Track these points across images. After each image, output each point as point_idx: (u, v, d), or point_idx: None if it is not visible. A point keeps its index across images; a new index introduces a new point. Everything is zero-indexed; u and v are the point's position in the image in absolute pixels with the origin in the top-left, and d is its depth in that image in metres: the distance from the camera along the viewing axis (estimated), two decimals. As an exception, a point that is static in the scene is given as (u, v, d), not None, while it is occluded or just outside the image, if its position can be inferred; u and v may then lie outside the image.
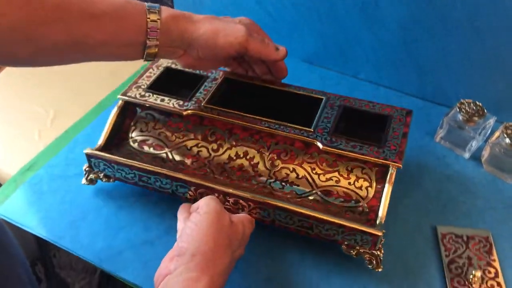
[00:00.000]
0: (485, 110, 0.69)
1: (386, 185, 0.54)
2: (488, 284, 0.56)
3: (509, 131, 0.66)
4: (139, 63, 0.85)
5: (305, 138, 0.58)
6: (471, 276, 0.56)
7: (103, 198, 0.66)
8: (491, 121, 0.69)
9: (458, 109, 0.69)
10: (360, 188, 0.56)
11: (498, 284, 0.56)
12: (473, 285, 0.56)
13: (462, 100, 0.70)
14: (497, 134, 0.68)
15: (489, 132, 0.70)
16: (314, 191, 0.57)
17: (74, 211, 0.64)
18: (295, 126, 0.59)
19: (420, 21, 0.74)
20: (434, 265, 0.58)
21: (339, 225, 0.53)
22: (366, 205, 0.56)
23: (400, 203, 0.64)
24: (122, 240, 0.61)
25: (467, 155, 0.71)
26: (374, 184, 0.56)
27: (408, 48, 0.78)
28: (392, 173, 0.55)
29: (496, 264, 0.58)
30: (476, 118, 0.68)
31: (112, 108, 0.80)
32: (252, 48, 0.58)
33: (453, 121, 0.70)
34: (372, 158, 0.55)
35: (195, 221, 0.50)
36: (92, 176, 0.64)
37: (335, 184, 0.57)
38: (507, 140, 0.65)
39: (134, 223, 0.63)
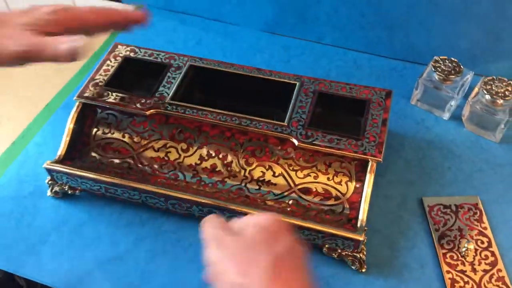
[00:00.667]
0: (462, 66, 0.64)
1: (366, 180, 0.51)
2: (482, 255, 0.53)
3: (488, 87, 0.61)
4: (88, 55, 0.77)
5: (279, 134, 0.53)
6: (464, 249, 0.53)
7: (63, 215, 0.60)
8: (469, 76, 0.65)
9: (433, 68, 0.64)
10: (340, 183, 0.53)
11: (492, 253, 0.53)
12: (467, 258, 0.53)
13: (436, 58, 0.65)
14: (476, 90, 0.63)
15: (467, 88, 0.66)
16: (292, 190, 0.54)
17: (33, 235, 0.58)
18: (268, 121, 0.54)
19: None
20: (424, 240, 0.55)
21: (318, 230, 0.50)
22: (346, 203, 0.52)
23: (380, 177, 0.60)
24: (89, 259, 0.56)
25: (446, 115, 0.67)
26: (353, 178, 0.53)
27: (374, 5, 0.72)
28: (372, 165, 0.51)
29: (488, 232, 0.55)
30: (453, 76, 0.63)
31: (62, 110, 0.74)
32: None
33: (428, 81, 0.65)
34: (351, 154, 0.51)
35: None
36: (56, 188, 0.60)
37: (314, 180, 0.54)
38: (487, 97, 0.61)
39: (99, 239, 0.57)
